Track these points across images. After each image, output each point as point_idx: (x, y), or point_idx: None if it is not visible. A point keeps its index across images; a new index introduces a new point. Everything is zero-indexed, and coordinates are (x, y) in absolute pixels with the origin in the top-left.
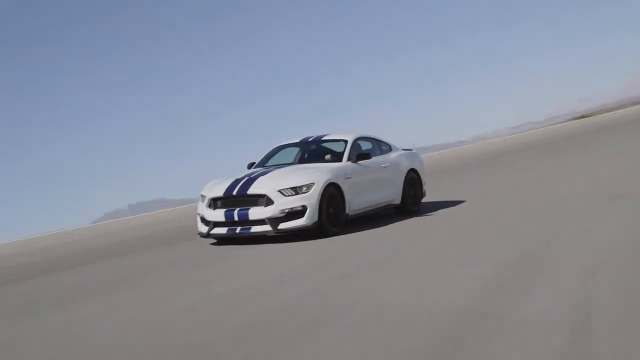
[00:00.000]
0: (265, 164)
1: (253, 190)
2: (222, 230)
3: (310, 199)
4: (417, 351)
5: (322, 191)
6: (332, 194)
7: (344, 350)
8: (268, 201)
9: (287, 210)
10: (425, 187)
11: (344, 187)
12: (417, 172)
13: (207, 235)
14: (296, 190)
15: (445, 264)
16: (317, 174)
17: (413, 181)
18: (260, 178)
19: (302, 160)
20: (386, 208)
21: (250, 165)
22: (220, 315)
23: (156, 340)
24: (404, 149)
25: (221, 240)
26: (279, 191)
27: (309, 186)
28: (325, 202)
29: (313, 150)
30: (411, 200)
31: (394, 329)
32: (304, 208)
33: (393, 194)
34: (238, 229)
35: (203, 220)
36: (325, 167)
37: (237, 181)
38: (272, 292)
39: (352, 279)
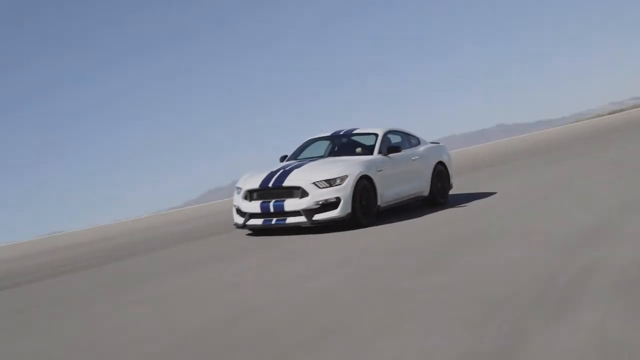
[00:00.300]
0: (298, 156)
1: (288, 182)
2: (258, 222)
3: (344, 191)
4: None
5: (355, 183)
6: (364, 186)
7: (520, 245)
8: (303, 193)
9: (321, 202)
10: (452, 180)
11: (375, 180)
12: (445, 164)
13: (243, 226)
14: (330, 183)
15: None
16: (350, 167)
17: (441, 174)
18: (295, 171)
19: (333, 153)
20: (415, 200)
21: (282, 158)
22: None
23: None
24: (431, 142)
25: (256, 231)
26: (314, 183)
27: (342, 179)
28: (358, 194)
29: (344, 144)
30: (439, 192)
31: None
32: (338, 200)
33: (422, 186)
34: (273, 220)
35: (239, 211)
36: (357, 160)
37: (272, 174)
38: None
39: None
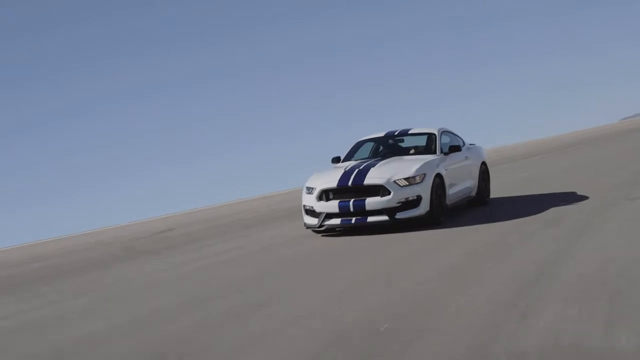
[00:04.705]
0: (352, 157)
1: (369, 181)
2: (336, 221)
3: (424, 189)
4: None
5: (432, 181)
6: (437, 184)
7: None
8: (384, 191)
9: (403, 200)
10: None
11: (445, 178)
12: (486, 164)
13: (320, 226)
14: (409, 181)
15: None
16: (426, 165)
17: (484, 173)
18: (372, 169)
19: (378, 154)
20: (466, 199)
21: (335, 160)
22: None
23: None
24: (469, 144)
25: (329, 231)
26: (395, 182)
27: (421, 177)
28: (434, 192)
29: (396, 145)
30: (484, 192)
31: None
32: (419, 198)
33: (473, 185)
34: (353, 220)
35: (310, 212)
36: (427, 158)
37: (347, 173)
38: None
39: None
